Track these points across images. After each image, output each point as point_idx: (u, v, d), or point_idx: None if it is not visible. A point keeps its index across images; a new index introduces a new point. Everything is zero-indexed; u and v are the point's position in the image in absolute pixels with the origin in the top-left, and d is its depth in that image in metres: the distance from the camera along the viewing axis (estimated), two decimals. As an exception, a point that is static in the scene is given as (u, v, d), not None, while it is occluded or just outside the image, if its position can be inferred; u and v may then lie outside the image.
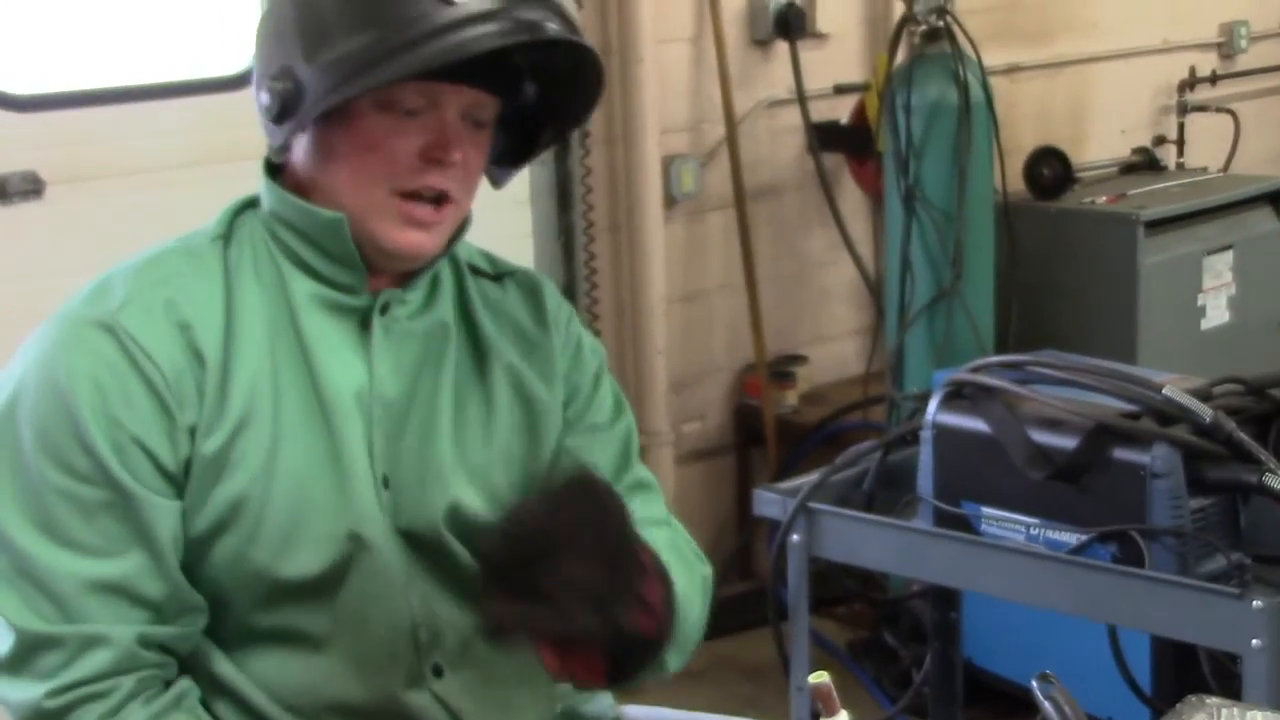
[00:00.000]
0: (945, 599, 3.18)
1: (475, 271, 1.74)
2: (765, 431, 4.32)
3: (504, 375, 1.71)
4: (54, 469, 1.48)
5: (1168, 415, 2.53)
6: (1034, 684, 1.78)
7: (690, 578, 1.71)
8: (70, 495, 1.49)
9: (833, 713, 1.25)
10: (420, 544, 1.63)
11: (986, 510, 2.67)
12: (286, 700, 1.56)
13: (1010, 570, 2.60)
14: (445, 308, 1.69)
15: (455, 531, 1.64)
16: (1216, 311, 4.57)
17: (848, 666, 3.95)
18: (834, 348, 4.66)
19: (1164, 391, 2.54)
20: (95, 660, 1.48)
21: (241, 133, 3.25)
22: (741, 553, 4.42)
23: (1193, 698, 1.84)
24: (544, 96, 1.69)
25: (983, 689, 3.40)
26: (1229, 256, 4.58)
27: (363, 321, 1.63)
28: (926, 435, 2.76)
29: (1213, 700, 1.80)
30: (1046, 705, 1.72)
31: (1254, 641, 2.31)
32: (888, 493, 2.91)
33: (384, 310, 1.62)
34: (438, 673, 1.63)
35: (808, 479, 2.87)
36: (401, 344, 1.64)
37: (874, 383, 4.30)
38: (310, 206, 1.59)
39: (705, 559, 1.79)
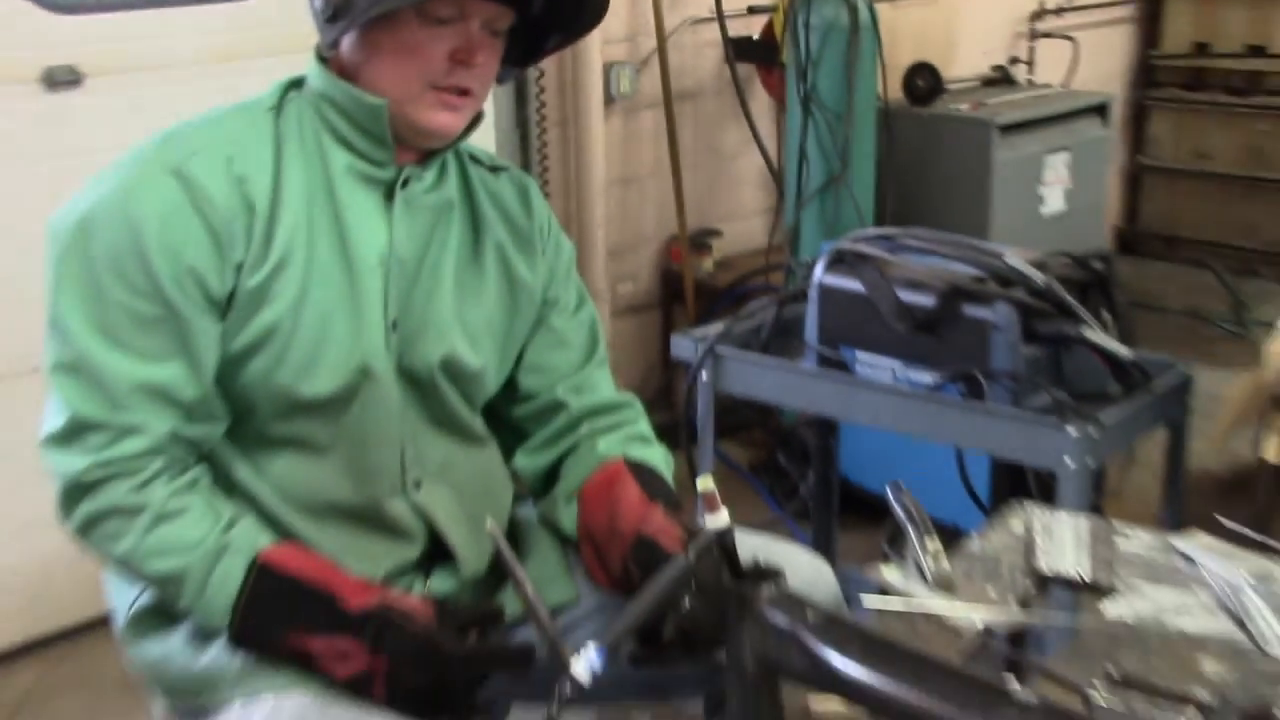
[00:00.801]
0: (826, 427, 3.22)
1: (475, 161, 1.74)
2: (685, 291, 4.35)
3: (494, 251, 1.71)
4: (119, 285, 1.50)
5: (1009, 279, 2.56)
6: (887, 490, 1.82)
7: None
8: (129, 309, 1.50)
9: (715, 510, 1.25)
10: (416, 382, 1.65)
11: (860, 354, 2.71)
12: (291, 497, 1.59)
13: (880, 403, 2.64)
14: (451, 188, 1.69)
15: (446, 375, 1.66)
16: (1054, 201, 4.64)
17: (748, 481, 4.01)
18: (743, 224, 4.69)
19: (1006, 260, 2.57)
20: (132, 445, 1.50)
21: (252, 34, 3.31)
22: (664, 390, 4.46)
23: (1016, 503, 1.88)
24: (551, 7, 1.67)
25: (855, 500, 3.45)
26: (1065, 156, 4.65)
27: (387, 193, 1.63)
28: (813, 293, 2.78)
29: (1030, 504, 1.84)
30: (896, 508, 1.76)
31: (1067, 461, 2.36)
32: (781, 340, 2.95)
33: (404, 184, 1.63)
34: (417, 486, 1.64)
35: (715, 328, 2.90)
36: (416, 214, 1.64)
37: (775, 253, 4.34)
38: (357, 92, 1.59)
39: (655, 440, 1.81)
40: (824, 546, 3.24)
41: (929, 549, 1.64)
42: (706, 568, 1.45)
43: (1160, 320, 5.12)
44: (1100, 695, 1.18)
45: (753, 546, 1.64)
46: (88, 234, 1.50)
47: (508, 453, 1.77)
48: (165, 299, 1.49)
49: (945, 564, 1.62)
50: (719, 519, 1.27)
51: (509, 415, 1.77)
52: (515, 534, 1.74)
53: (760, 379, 2.83)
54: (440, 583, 1.66)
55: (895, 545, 1.80)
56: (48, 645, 3.26)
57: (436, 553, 1.68)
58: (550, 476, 1.76)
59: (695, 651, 1.45)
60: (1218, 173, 5.82)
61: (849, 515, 3.38)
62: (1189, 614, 1.57)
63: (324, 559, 1.53)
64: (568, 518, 1.69)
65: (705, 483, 1.27)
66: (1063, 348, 2.59)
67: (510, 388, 1.75)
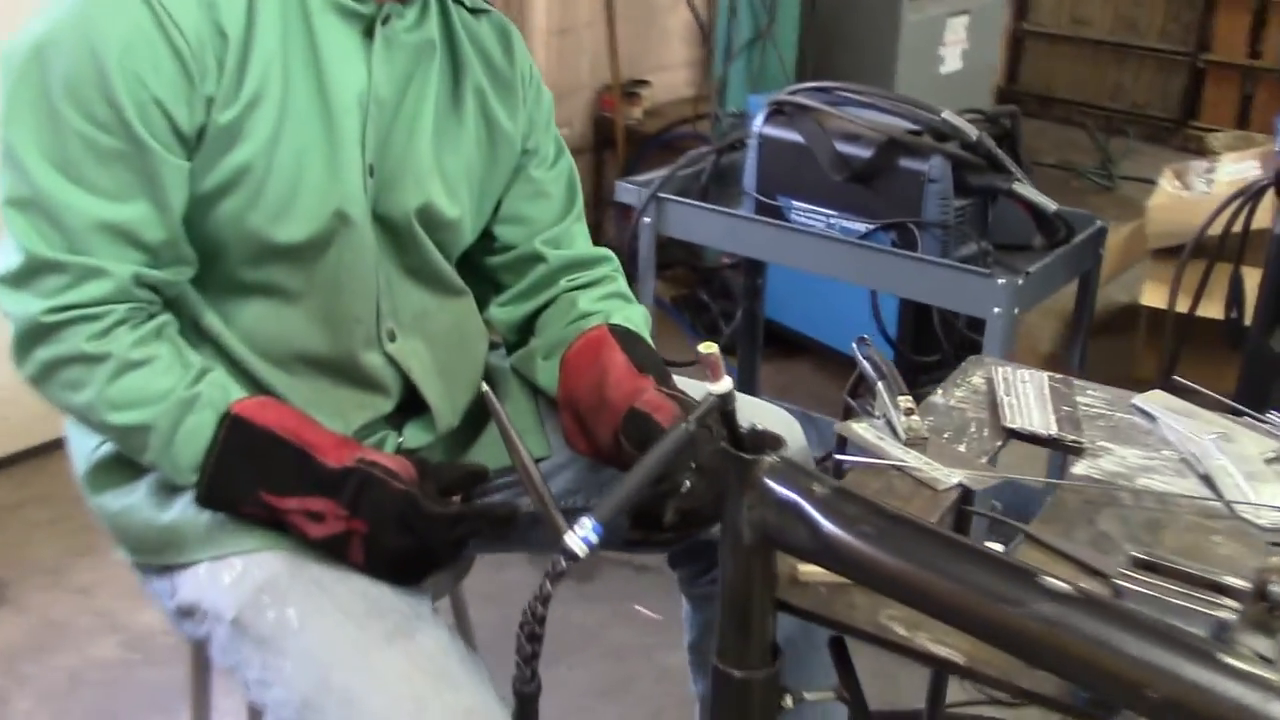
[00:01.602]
0: (754, 268, 2.99)
1: (456, 2, 1.43)
2: (616, 137, 4.06)
3: (474, 97, 1.42)
4: (78, 115, 1.20)
5: (943, 133, 2.33)
6: (853, 345, 1.60)
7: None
8: (90, 141, 1.20)
9: (717, 376, 1.02)
10: (392, 229, 1.36)
11: (796, 203, 2.47)
12: (261, 347, 1.31)
13: (815, 250, 2.41)
14: (432, 28, 1.38)
15: (423, 224, 1.38)
16: (951, 61, 4.39)
17: (670, 315, 3.78)
18: (670, 75, 4.37)
19: (942, 115, 2.34)
20: (93, 288, 1.22)
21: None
22: (594, 228, 4.18)
23: (974, 358, 1.67)
24: None
25: (773, 335, 3.24)
26: (965, 19, 4.38)
27: (366, 30, 1.32)
28: (752, 143, 2.53)
29: (989, 359, 1.63)
30: (864, 363, 1.54)
31: (995, 309, 2.16)
32: (719, 188, 2.70)
33: (385, 21, 1.33)
34: (391, 337, 1.37)
35: (658, 174, 2.64)
36: (396, 53, 1.34)
37: (701, 103, 4.04)
38: None
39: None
40: (748, 379, 3.05)
41: (901, 406, 1.42)
42: (705, 438, 1.22)
43: (1036, 173, 4.92)
44: (1128, 579, 0.98)
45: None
46: (44, 60, 1.19)
47: (482, 304, 1.50)
48: (129, 131, 1.19)
49: (919, 423, 1.41)
50: (721, 385, 1.04)
51: (485, 266, 1.50)
52: (489, 385, 1.49)
53: (701, 224, 2.58)
54: (414, 436, 1.41)
55: (857, 397, 1.59)
56: (16, 462, 3.00)
57: (410, 406, 1.42)
58: (525, 328, 1.50)
59: (693, 532, 1.24)
60: (1092, 39, 5.59)
61: (768, 349, 3.20)
62: (1158, 474, 1.38)
63: (299, 413, 1.27)
64: (545, 375, 1.44)
65: (709, 348, 1.03)
66: (990, 200, 2.38)
67: (487, 238, 1.48)
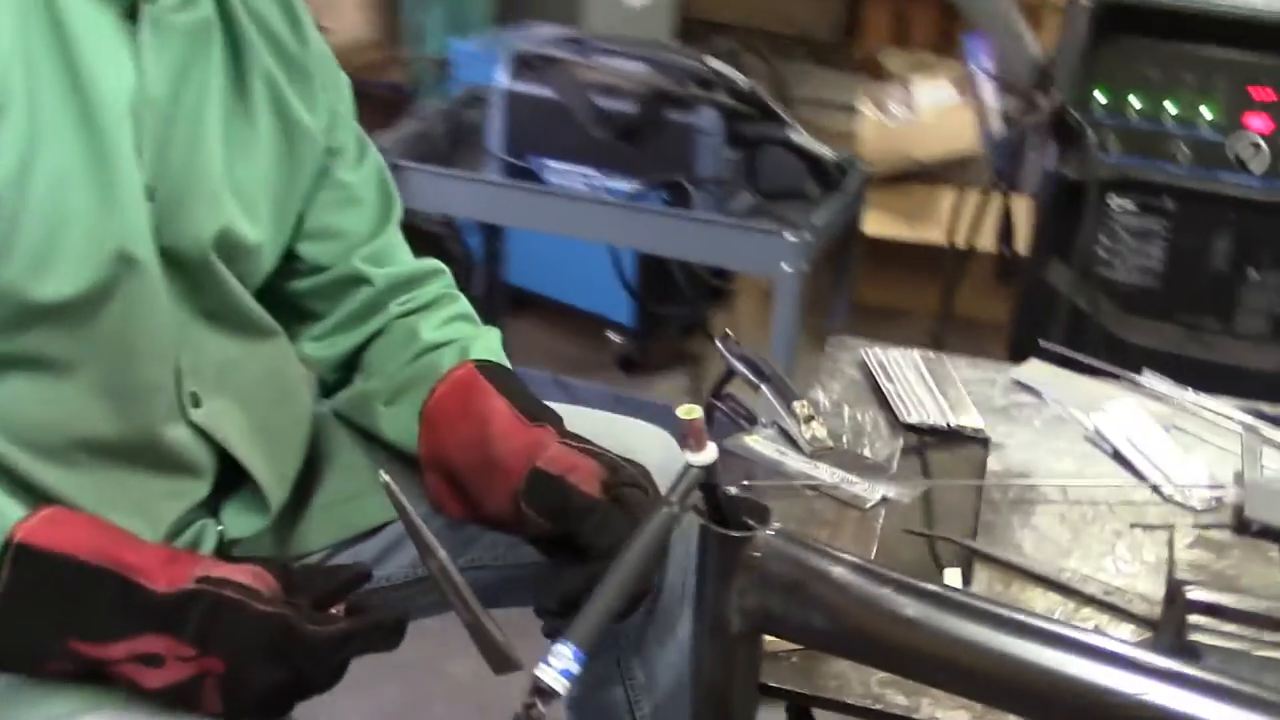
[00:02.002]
0: (492, 232, 2.76)
1: None
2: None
3: (265, 88, 1.11)
4: None
5: (710, 82, 2.17)
6: (718, 344, 1.43)
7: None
8: None
9: (700, 446, 0.82)
10: (184, 267, 1.04)
11: (551, 163, 2.25)
12: (27, 437, 0.98)
13: (581, 214, 2.20)
14: (206, 5, 1.05)
15: (221, 255, 1.06)
16: (637, -10, 4.25)
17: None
18: (349, 17, 3.98)
19: (708, 62, 2.18)
20: None
21: None
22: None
23: (836, 340, 1.53)
24: None
25: (517, 299, 3.03)
26: (648, -50, 4.23)
27: (128, 11, 0.99)
28: (496, 100, 2.28)
29: (854, 340, 1.50)
30: (738, 365, 1.37)
31: (784, 266, 2.04)
32: (451, 150, 2.44)
33: None
34: (195, 402, 1.06)
35: (385, 137, 2.34)
36: (168, 40, 1.01)
37: (383, 49, 3.70)
38: None
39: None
40: (495, 351, 2.82)
41: (799, 414, 1.26)
42: (641, 500, 1.02)
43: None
44: (1200, 631, 0.86)
45: (597, 421, 1.21)
46: None
47: (290, 340, 1.22)
48: None
49: (820, 430, 1.25)
50: (705, 455, 0.84)
51: (290, 294, 1.20)
52: (312, 440, 1.21)
53: (444, 192, 2.31)
54: (238, 522, 1.12)
55: (722, 398, 1.42)
56: None
57: (226, 485, 1.13)
58: (348, 365, 1.23)
59: (631, 611, 1.04)
60: (751, -37, 5.60)
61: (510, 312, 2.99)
62: (1068, 457, 1.29)
63: (103, 523, 0.96)
64: (392, 425, 1.17)
65: (690, 412, 0.83)
66: (759, 149, 2.25)
67: (291, 260, 1.18)
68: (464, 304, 1.23)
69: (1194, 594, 0.86)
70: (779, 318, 2.11)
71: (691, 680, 0.93)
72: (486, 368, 1.12)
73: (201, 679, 0.91)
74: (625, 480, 1.01)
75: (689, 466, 0.85)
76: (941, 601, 0.82)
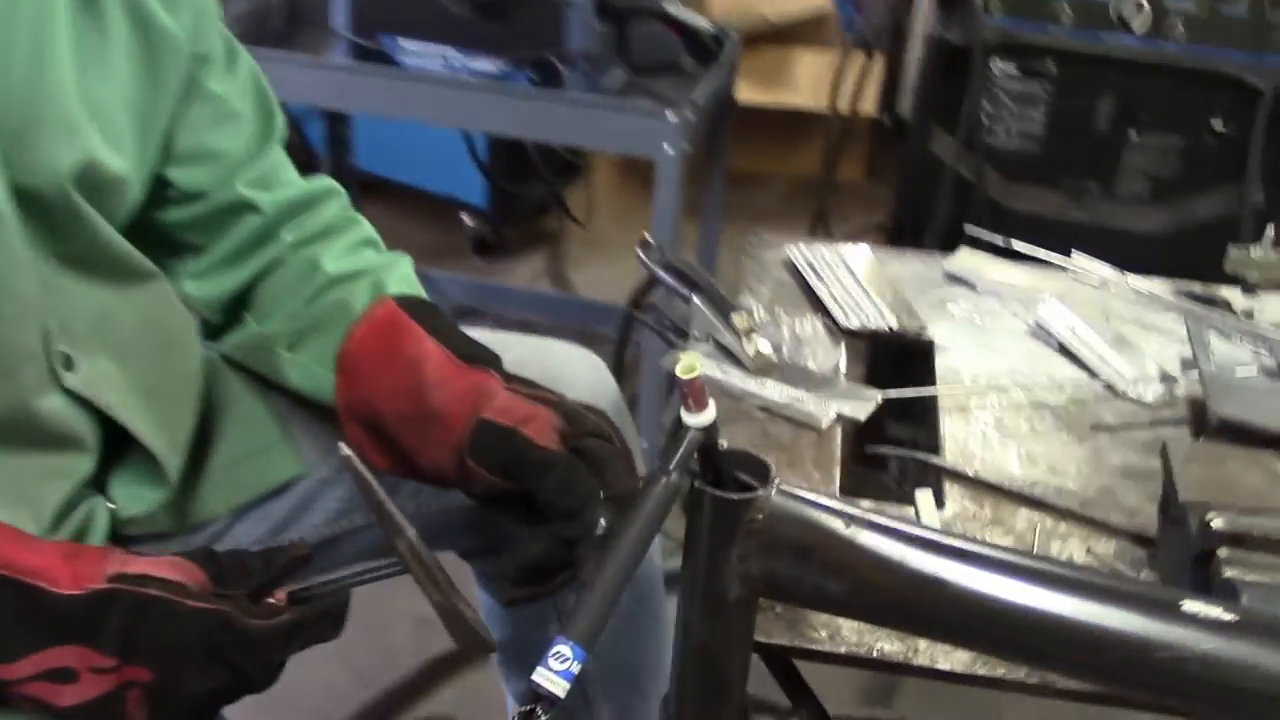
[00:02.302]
0: (338, 117, 2.55)
1: None
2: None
3: None
4: None
5: (574, -50, 2.00)
6: (638, 252, 1.31)
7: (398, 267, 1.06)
8: None
9: (702, 407, 0.72)
10: (41, 207, 0.86)
11: (405, 43, 2.06)
12: None
13: (441, 99, 2.03)
14: None
15: (84, 191, 0.88)
16: None
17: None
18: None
19: (572, -72, 2.00)
20: None
21: None
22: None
23: (758, 239, 1.43)
24: None
25: (363, 185, 2.83)
26: None
27: None
28: (339, -27, 2.07)
29: (774, 237, 1.40)
30: (663, 274, 1.25)
31: (666, 148, 1.93)
32: (289, 29, 2.22)
33: None
34: (68, 364, 0.90)
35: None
36: None
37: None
38: None
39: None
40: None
41: (739, 327, 1.17)
42: (616, 457, 0.91)
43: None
44: (1235, 565, 0.81)
45: (519, 348, 1.09)
46: None
47: (169, 280, 1.05)
48: None
49: (764, 345, 1.16)
50: (704, 415, 0.74)
51: (165, 227, 1.03)
52: (204, 392, 1.06)
53: (284, 78, 2.08)
54: (130, 498, 0.96)
55: (647, 309, 1.31)
56: None
57: (113, 456, 0.98)
58: (237, 304, 1.07)
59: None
60: None
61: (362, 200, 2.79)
62: (1015, 354, 1.23)
63: None
64: (300, 373, 1.02)
65: (689, 367, 0.72)
66: (630, 21, 2.10)
67: (162, 188, 1.02)
68: (366, 227, 1.09)
69: (1218, 521, 0.80)
70: (661, 201, 1.99)
71: (677, 646, 0.84)
72: (409, 304, 0.98)
73: (124, 691, 0.78)
74: (586, 429, 0.90)
75: (685, 428, 0.75)
76: (967, 557, 0.75)
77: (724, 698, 0.85)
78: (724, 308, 1.18)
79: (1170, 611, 0.71)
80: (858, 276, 1.31)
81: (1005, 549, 0.79)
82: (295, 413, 1.07)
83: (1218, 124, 2.00)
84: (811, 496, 0.78)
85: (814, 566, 0.77)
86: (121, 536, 0.97)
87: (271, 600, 0.84)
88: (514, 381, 0.94)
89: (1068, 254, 1.35)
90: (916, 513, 1.01)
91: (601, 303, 2.84)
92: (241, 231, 1.04)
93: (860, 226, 2.75)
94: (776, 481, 0.77)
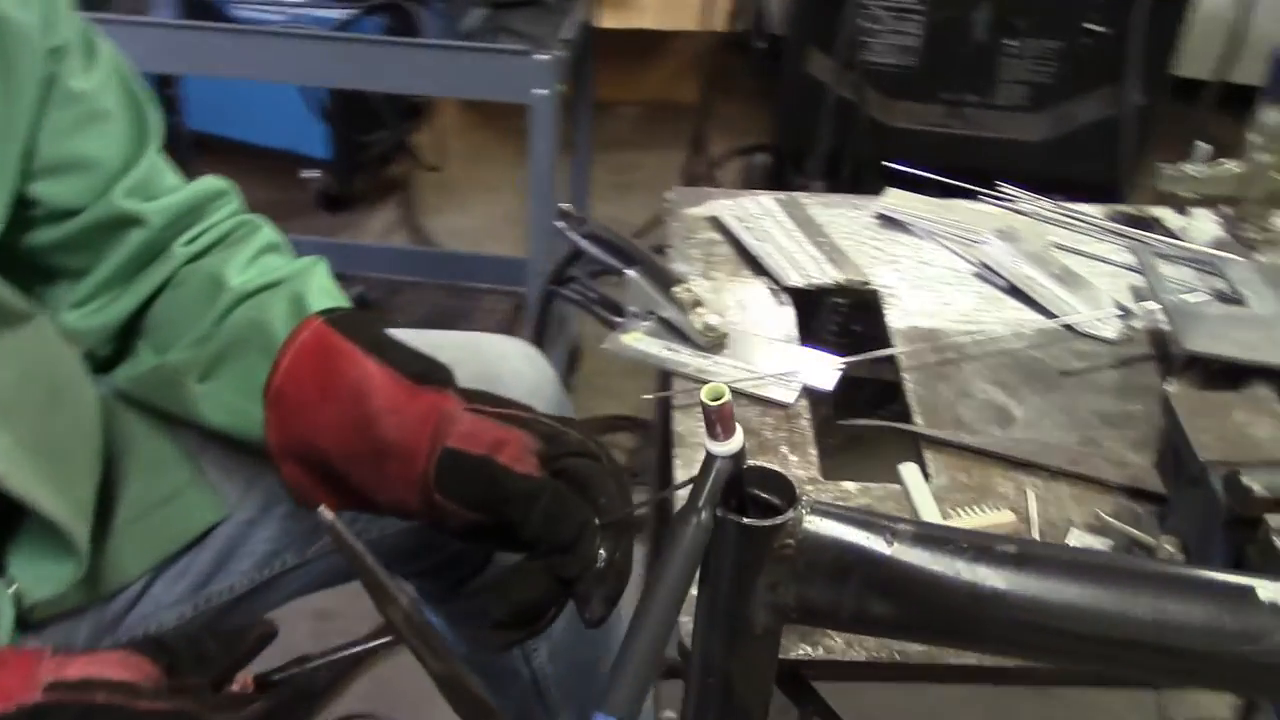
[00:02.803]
0: (166, 77, 2.34)
1: None
2: None
3: None
4: None
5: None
6: (559, 224, 1.20)
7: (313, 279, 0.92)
8: None
9: (730, 434, 0.64)
10: None
11: (238, -6, 1.89)
12: None
13: (282, 55, 1.86)
14: None
15: None
16: None
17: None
18: None
19: None
20: None
21: None
22: None
23: (674, 194, 1.33)
24: None
25: (195, 144, 2.62)
26: None
27: None
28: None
29: (691, 191, 1.31)
30: (588, 246, 1.15)
31: (538, 91, 1.81)
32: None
33: None
34: None
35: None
36: None
37: None
38: None
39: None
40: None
41: (684, 300, 1.08)
42: (606, 487, 0.81)
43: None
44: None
45: (449, 348, 0.98)
46: None
47: (49, 313, 0.90)
48: None
49: (713, 317, 1.08)
50: (732, 443, 0.65)
51: (34, 252, 0.87)
52: (102, 441, 0.91)
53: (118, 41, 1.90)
54: (37, 577, 0.83)
55: (565, 284, 1.21)
56: None
57: (7, 530, 0.84)
58: (128, 333, 0.93)
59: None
60: None
61: (198, 161, 2.59)
62: (966, 298, 1.17)
63: None
64: (216, 408, 0.88)
65: (717, 394, 0.63)
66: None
67: (28, 208, 0.86)
68: (268, 230, 0.95)
69: (1255, 485, 0.76)
70: (537, 148, 1.88)
71: (694, 679, 0.77)
72: (339, 320, 0.86)
73: None
74: (568, 449, 0.80)
75: (713, 459, 0.66)
76: (1025, 562, 0.69)
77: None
78: (664, 279, 1.09)
79: (1247, 601, 0.66)
80: (787, 226, 1.23)
81: (1061, 548, 0.73)
82: (207, 449, 0.95)
83: (1094, 25, 1.98)
84: (845, 510, 0.71)
85: (854, 589, 0.69)
86: (28, 623, 0.84)
87: (235, 688, 0.73)
88: (475, 399, 0.84)
89: (952, 169, 1.31)
90: (905, 490, 0.95)
91: (465, 253, 2.71)
92: (126, 249, 0.90)
93: (728, 151, 2.66)
94: (805, 499, 0.69)
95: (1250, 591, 0.66)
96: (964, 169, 1.40)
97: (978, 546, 0.69)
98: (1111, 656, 0.69)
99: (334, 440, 0.84)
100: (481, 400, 0.84)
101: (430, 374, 0.84)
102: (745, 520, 0.68)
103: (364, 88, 2.20)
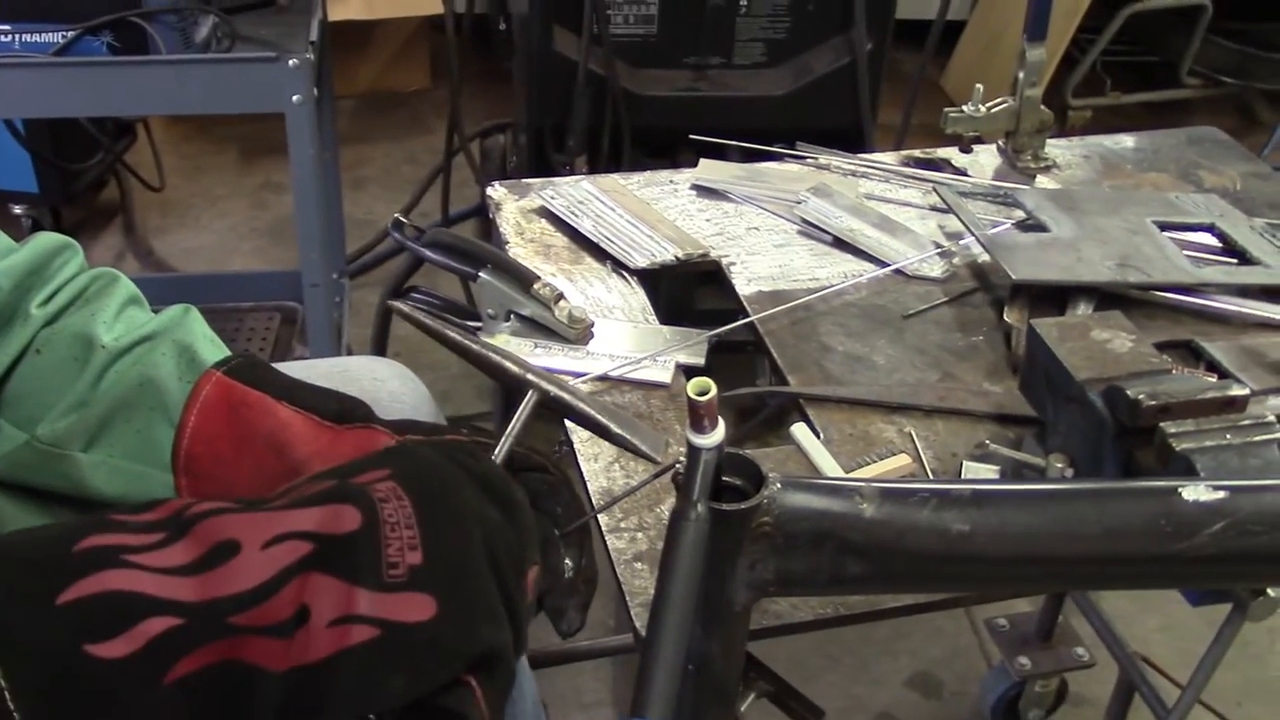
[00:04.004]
0: None
1: None
2: None
3: None
4: None
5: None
6: (393, 234, 1.17)
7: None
8: None
9: (715, 426, 0.66)
10: None
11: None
12: None
13: (13, 85, 1.72)
14: None
15: None
16: None
17: None
18: None
19: None
20: None
21: None
22: None
23: (494, 192, 1.31)
24: None
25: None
26: None
27: None
28: None
29: (508, 184, 1.30)
30: (428, 253, 1.13)
31: (294, 97, 1.75)
32: None
33: None
34: None
35: None
36: None
37: None
38: None
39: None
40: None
41: (546, 296, 1.07)
42: (555, 490, 0.80)
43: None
44: (1176, 437, 0.82)
45: (322, 380, 0.94)
46: None
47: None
48: None
49: (576, 310, 1.08)
50: (714, 435, 0.66)
51: None
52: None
53: None
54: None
55: (404, 295, 1.18)
56: None
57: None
58: None
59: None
60: None
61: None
62: (812, 263, 1.22)
63: None
64: (106, 475, 0.81)
65: (702, 388, 0.63)
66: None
67: None
68: (124, 282, 0.89)
69: (1140, 395, 0.83)
70: (298, 155, 1.81)
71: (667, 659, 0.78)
72: (237, 369, 0.81)
73: None
74: (518, 465, 0.80)
75: (698, 451, 0.67)
76: (983, 502, 0.74)
77: (724, 705, 0.80)
78: (520, 277, 1.09)
79: (1175, 502, 0.73)
80: (614, 208, 1.24)
81: (1007, 483, 0.78)
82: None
83: (820, -21, 2.07)
84: (813, 481, 0.73)
85: (830, 553, 0.73)
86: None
87: None
88: (402, 430, 0.81)
89: (703, 129, 1.38)
90: (800, 448, 0.99)
91: (202, 275, 2.59)
92: None
93: (469, 135, 2.64)
94: (773, 476, 0.72)
95: (1175, 492, 0.74)
96: (716, 129, 1.46)
97: (937, 494, 0.73)
98: (1069, 574, 0.75)
99: (254, 496, 0.80)
100: (409, 430, 0.82)
101: (350, 412, 0.81)
102: (725, 506, 0.70)
103: (101, 114, 2.06)
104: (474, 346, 0.72)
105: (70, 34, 1.73)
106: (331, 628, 0.58)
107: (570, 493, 0.80)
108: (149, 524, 0.60)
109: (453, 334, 0.72)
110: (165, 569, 0.57)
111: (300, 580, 0.58)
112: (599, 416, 0.72)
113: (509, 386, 0.72)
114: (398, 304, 0.70)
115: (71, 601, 0.55)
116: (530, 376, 0.72)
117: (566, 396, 0.72)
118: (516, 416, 0.73)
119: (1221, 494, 0.73)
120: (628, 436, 0.73)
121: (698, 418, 0.66)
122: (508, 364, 0.72)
